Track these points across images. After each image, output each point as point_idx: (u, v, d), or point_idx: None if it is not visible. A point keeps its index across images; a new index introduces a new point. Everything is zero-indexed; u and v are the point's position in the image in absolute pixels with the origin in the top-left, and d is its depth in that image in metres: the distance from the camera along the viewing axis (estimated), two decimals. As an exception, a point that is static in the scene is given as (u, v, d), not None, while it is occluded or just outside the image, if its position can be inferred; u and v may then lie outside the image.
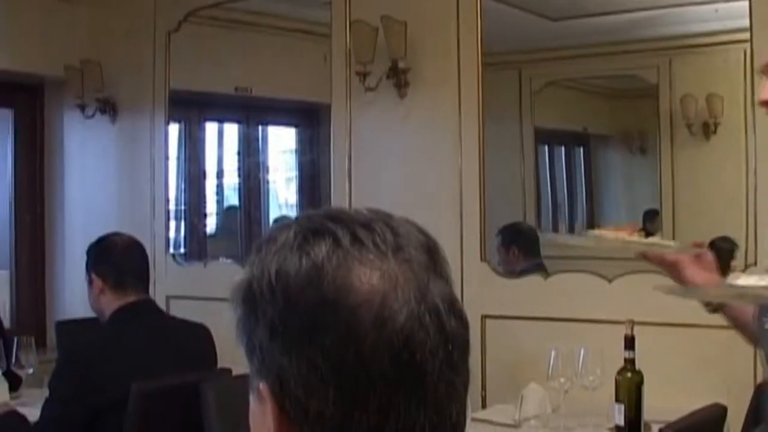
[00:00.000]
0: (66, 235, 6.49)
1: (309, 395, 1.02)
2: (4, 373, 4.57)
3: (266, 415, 1.06)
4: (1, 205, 6.70)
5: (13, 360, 4.58)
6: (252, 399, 1.11)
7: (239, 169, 7.58)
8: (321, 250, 1.05)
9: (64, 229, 6.52)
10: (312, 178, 7.39)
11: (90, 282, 4.09)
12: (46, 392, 4.11)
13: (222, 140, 8.26)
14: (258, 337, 1.06)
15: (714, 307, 2.73)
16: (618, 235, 2.77)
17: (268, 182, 8.06)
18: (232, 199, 7.43)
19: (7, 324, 5.70)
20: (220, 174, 8.05)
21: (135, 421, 3.74)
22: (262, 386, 1.06)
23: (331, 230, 1.06)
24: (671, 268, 2.71)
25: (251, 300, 1.07)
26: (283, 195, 9.05)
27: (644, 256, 2.74)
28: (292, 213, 8.37)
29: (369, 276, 1.04)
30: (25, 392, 4.69)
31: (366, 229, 1.07)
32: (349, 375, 1.02)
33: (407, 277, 1.06)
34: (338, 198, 5.40)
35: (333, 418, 1.02)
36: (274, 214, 8.12)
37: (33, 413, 4.09)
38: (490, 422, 3.98)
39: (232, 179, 7.56)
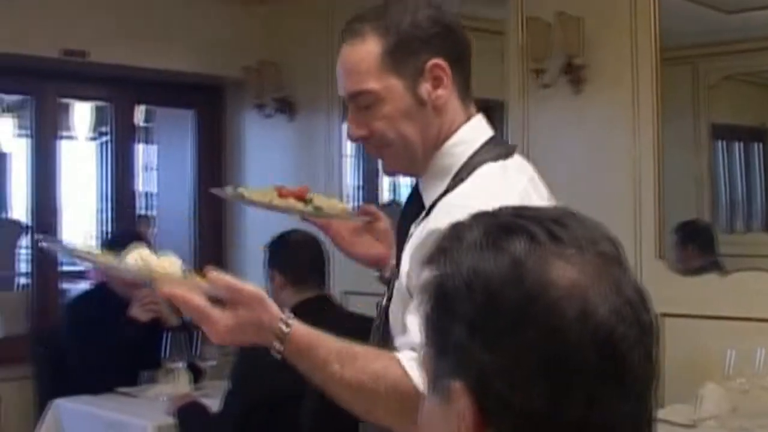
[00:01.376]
0: (246, 232, 6.64)
1: (514, 391, 1.02)
2: (187, 366, 4.72)
3: (452, 415, 1.06)
4: (182, 203, 6.91)
5: (196, 353, 4.72)
6: (431, 399, 1.11)
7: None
8: (518, 246, 1.05)
9: (245, 225, 6.68)
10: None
11: (270, 278, 4.19)
12: (227, 384, 4.22)
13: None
14: (453, 335, 1.06)
15: (387, 279, 2.50)
16: (267, 196, 2.55)
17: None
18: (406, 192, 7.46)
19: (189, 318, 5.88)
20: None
21: (312, 415, 3.80)
22: (457, 384, 1.05)
23: (525, 227, 1.07)
24: (324, 232, 2.60)
25: (444, 298, 1.08)
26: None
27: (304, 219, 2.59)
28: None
29: (568, 270, 1.04)
30: (207, 384, 4.83)
31: (559, 224, 1.08)
32: (555, 369, 1.02)
33: (603, 271, 1.06)
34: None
35: (539, 413, 1.02)
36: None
37: (213, 404, 4.21)
38: (668, 422, 3.92)
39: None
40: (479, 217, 1.12)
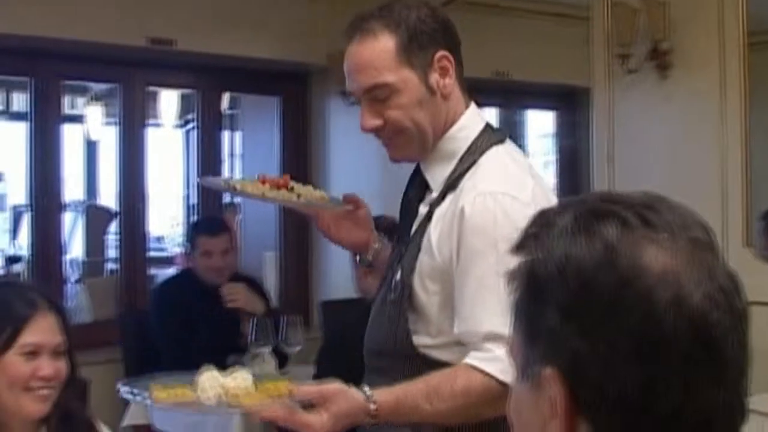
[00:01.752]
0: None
1: (608, 377, 1.02)
2: (272, 351, 4.76)
3: (543, 402, 1.06)
4: (269, 189, 6.95)
5: (281, 338, 4.76)
6: (521, 387, 1.11)
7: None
8: (610, 231, 1.05)
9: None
10: (571, 162, 7.35)
11: (354, 263, 4.21)
12: (312, 369, 4.27)
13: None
14: (545, 321, 1.05)
15: (369, 262, 2.76)
16: (258, 187, 2.67)
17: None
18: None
19: (274, 304, 5.94)
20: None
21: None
22: (549, 371, 1.05)
23: (616, 212, 1.06)
24: (314, 222, 2.75)
25: (536, 284, 1.08)
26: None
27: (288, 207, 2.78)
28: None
29: (661, 255, 1.03)
30: (292, 369, 4.87)
31: (650, 209, 1.07)
32: (650, 355, 1.01)
33: (696, 257, 1.05)
34: (599, 181, 5.34)
35: (632, 400, 1.02)
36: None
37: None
38: (755, 411, 3.86)
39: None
40: (568, 204, 1.12)
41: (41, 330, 2.42)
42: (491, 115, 7.91)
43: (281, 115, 6.79)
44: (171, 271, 8.08)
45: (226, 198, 6.44)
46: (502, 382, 2.18)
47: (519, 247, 1.12)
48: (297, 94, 6.83)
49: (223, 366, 4.66)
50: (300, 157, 6.75)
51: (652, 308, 1.01)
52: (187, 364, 4.79)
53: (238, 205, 7.65)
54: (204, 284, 5.07)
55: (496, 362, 2.21)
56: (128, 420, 4.82)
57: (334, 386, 2.18)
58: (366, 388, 2.19)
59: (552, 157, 7.97)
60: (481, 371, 2.22)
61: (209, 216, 6.19)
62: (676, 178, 4.91)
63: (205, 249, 5.08)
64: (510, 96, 7.39)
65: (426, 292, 2.37)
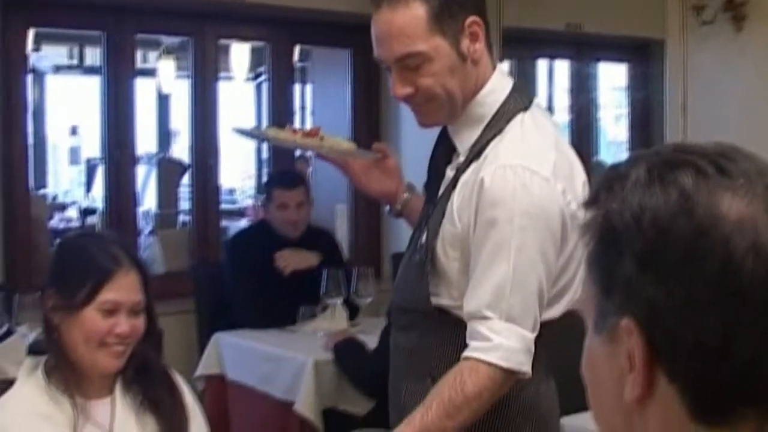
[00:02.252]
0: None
1: (686, 326, 1.01)
2: (343, 303, 4.79)
3: (620, 354, 1.05)
4: (340, 142, 6.96)
5: (353, 290, 4.79)
6: (595, 340, 1.10)
7: (570, 106, 7.55)
8: (685, 180, 1.04)
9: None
10: (643, 115, 7.26)
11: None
12: (383, 321, 4.28)
13: (552, 77, 8.25)
14: (622, 271, 1.05)
15: (398, 212, 2.76)
16: (290, 135, 2.71)
17: (598, 120, 7.98)
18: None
19: (346, 256, 5.97)
20: (549, 111, 8.04)
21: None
22: (626, 322, 1.04)
23: (691, 161, 1.06)
24: (342, 170, 2.75)
25: (611, 235, 1.07)
26: (612, 132, 8.95)
27: (320, 157, 2.81)
28: (620, 151, 8.27)
29: (737, 203, 1.02)
30: (363, 321, 4.91)
31: (725, 158, 1.06)
32: (728, 303, 1.00)
33: None
34: (672, 134, 5.29)
35: (711, 349, 1.01)
36: (603, 152, 8.05)
37: (370, 340, 4.28)
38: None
39: (562, 117, 7.55)
40: (640, 156, 1.10)
41: (121, 288, 2.41)
42: (563, 67, 7.85)
43: (352, 69, 6.77)
44: (243, 223, 8.15)
45: (298, 151, 6.45)
46: (506, 369, 2.26)
47: (592, 200, 1.11)
48: (368, 47, 6.78)
49: (294, 318, 4.74)
50: (371, 112, 6.73)
51: (730, 256, 1.00)
52: (260, 315, 4.89)
53: (310, 158, 7.68)
54: (278, 236, 5.11)
55: (496, 351, 2.26)
56: (201, 370, 4.89)
57: None
58: None
59: (624, 111, 7.89)
60: (485, 362, 2.26)
61: (285, 169, 6.22)
62: (751, 130, 4.85)
63: (281, 202, 5.11)
64: (582, 48, 7.31)
65: (447, 257, 2.40)
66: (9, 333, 4.11)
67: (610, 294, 1.07)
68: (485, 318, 2.28)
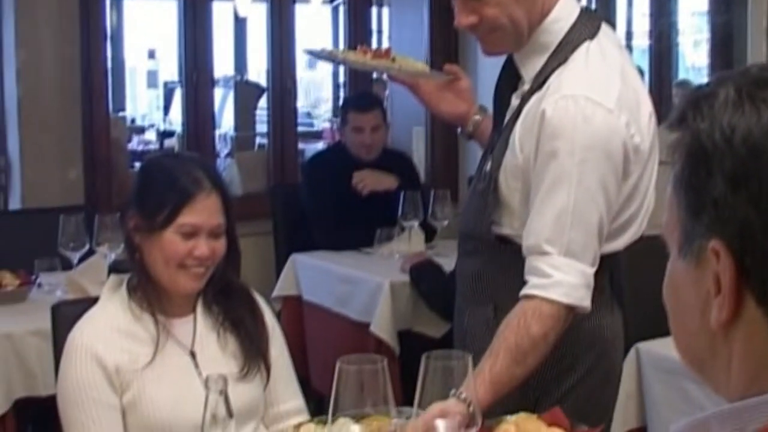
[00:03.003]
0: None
1: None
2: (420, 225, 4.80)
3: (707, 277, 1.04)
4: (416, 65, 6.91)
5: (430, 212, 4.79)
6: (680, 264, 1.08)
7: (650, 31, 7.42)
8: None
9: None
10: (724, 40, 7.11)
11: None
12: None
13: (632, 2, 8.11)
14: (711, 192, 1.03)
15: (469, 134, 2.71)
16: (361, 56, 2.66)
17: (677, 45, 7.85)
18: (640, 61, 7.31)
19: (423, 178, 5.96)
20: (629, 36, 7.93)
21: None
22: (715, 244, 1.02)
23: None
24: (414, 91, 2.69)
25: (700, 155, 1.05)
26: (691, 58, 8.80)
27: (391, 78, 2.78)
28: (700, 77, 8.13)
29: None
30: (439, 243, 4.90)
31: None
32: None
33: None
34: (755, 59, 5.17)
35: None
36: (681, 77, 7.92)
37: (446, 263, 4.28)
38: None
39: (641, 42, 7.44)
40: (726, 76, 1.08)
41: (201, 211, 2.41)
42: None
43: (429, -6, 6.70)
44: (320, 146, 8.17)
45: (375, 74, 6.43)
46: (567, 305, 2.24)
47: (678, 121, 1.09)
48: (445, -31, 6.71)
49: (371, 240, 4.75)
50: (448, 36, 6.64)
51: None
52: (337, 237, 4.91)
53: (387, 82, 7.65)
54: (354, 159, 5.11)
55: (558, 287, 2.24)
56: (278, 291, 4.93)
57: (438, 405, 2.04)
58: (460, 394, 2.05)
59: (704, 36, 7.75)
60: (548, 300, 2.24)
61: (361, 92, 6.20)
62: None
63: (356, 125, 5.10)
64: (663, -29, 7.18)
65: (509, 187, 2.39)
66: (90, 253, 4.17)
67: (698, 216, 1.05)
68: (545, 253, 2.27)
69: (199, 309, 2.53)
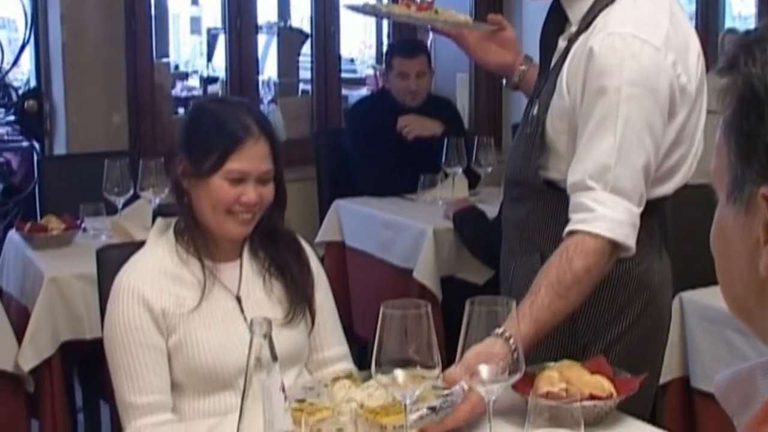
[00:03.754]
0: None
1: None
2: (464, 171, 4.78)
3: (755, 225, 1.02)
4: (462, 8, 6.86)
5: (473, 159, 4.77)
6: (728, 212, 1.06)
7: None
8: None
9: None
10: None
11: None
12: (503, 191, 4.27)
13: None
14: (764, 137, 1.00)
15: (515, 84, 2.69)
16: (404, 9, 2.63)
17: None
18: (686, 10, 7.20)
19: (466, 125, 5.94)
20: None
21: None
22: (765, 190, 1.00)
23: None
24: (459, 43, 2.67)
25: (753, 99, 1.02)
26: (737, 8, 8.68)
27: (435, 30, 2.78)
28: (746, 26, 8.02)
29: None
30: (482, 190, 4.90)
31: None
32: None
33: None
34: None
35: None
36: (727, 26, 7.82)
37: (489, 210, 4.28)
38: None
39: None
40: None
41: (249, 157, 2.40)
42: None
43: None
44: (363, 92, 8.14)
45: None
46: (611, 240, 2.21)
47: (729, 65, 1.06)
48: None
49: (414, 186, 4.75)
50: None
51: None
52: (380, 183, 4.91)
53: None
54: (398, 106, 5.09)
55: (601, 221, 2.22)
56: (321, 237, 4.94)
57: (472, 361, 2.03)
58: (502, 332, 2.04)
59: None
60: (591, 234, 2.21)
61: (407, 38, 6.17)
62: None
63: (401, 71, 5.08)
64: None
65: (555, 130, 2.38)
66: (135, 198, 4.19)
67: (749, 161, 1.02)
68: (589, 189, 2.25)
69: (246, 254, 2.54)
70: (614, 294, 2.40)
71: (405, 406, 1.93)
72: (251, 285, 2.52)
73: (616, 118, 2.22)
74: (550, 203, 2.41)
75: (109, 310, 2.44)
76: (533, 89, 2.56)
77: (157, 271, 2.44)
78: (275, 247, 2.56)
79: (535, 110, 2.42)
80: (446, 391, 2.17)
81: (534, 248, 2.47)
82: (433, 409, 2.14)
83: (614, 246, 2.24)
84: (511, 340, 2.00)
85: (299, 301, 2.54)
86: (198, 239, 2.48)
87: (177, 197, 2.50)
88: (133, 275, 2.44)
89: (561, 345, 2.33)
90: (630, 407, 2.22)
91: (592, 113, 2.26)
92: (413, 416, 2.06)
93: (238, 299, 2.49)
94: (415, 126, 5.01)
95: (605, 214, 2.23)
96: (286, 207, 2.56)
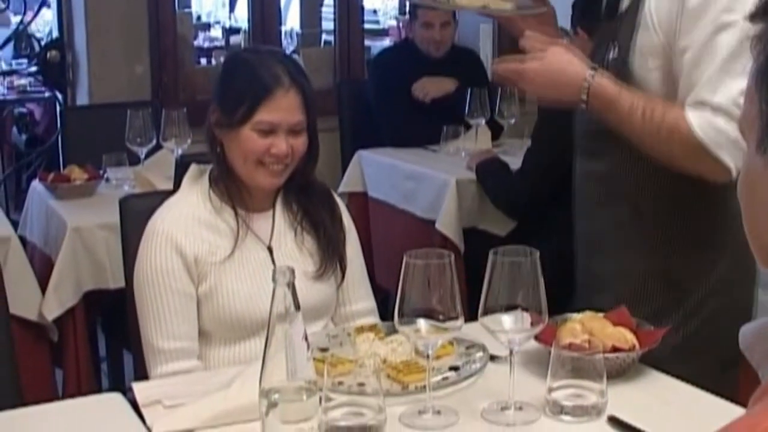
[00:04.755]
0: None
1: None
2: (487, 123, 4.76)
3: None
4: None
5: (496, 111, 4.75)
6: (759, 161, 1.03)
7: None
8: None
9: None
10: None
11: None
12: (527, 143, 4.25)
13: None
14: None
15: None
16: None
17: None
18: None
19: (490, 76, 5.90)
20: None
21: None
22: None
23: None
24: (509, 28, 2.64)
25: None
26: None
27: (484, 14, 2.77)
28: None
29: None
30: (506, 141, 4.88)
31: None
32: None
33: None
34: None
35: None
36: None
37: (512, 161, 4.27)
38: None
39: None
40: None
41: (279, 108, 2.38)
42: None
43: None
44: (386, 43, 8.10)
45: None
46: (705, 146, 2.18)
47: (764, 11, 1.03)
48: None
49: (437, 137, 4.73)
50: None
51: None
52: (403, 134, 4.90)
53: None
54: (421, 56, 5.07)
55: (704, 119, 2.17)
56: (343, 187, 4.93)
57: (563, 43, 2.18)
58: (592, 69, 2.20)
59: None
60: (690, 123, 2.19)
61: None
62: None
63: (425, 20, 5.04)
64: None
65: (645, 68, 2.32)
66: (157, 148, 4.19)
67: None
68: (702, 103, 2.21)
69: (279, 205, 2.54)
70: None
71: (428, 356, 1.93)
72: (283, 236, 2.52)
73: (729, 31, 2.17)
74: (635, 152, 2.35)
75: (141, 254, 2.44)
76: (597, 38, 2.51)
77: (191, 217, 2.44)
78: (309, 201, 2.55)
79: (612, 55, 2.37)
80: (469, 350, 2.17)
81: (620, 200, 2.45)
82: (455, 369, 2.15)
83: (702, 154, 2.20)
84: (593, 73, 2.20)
85: (331, 255, 2.54)
86: (232, 188, 2.47)
87: (210, 147, 2.49)
88: (167, 221, 2.44)
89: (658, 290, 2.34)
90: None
91: (699, 31, 2.20)
92: (436, 378, 2.07)
93: (270, 249, 2.49)
94: (430, 88, 4.98)
95: (712, 121, 2.18)
96: (318, 160, 2.54)
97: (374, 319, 2.59)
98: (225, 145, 2.45)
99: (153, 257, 2.40)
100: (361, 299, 2.64)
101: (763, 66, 1.02)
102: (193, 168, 2.55)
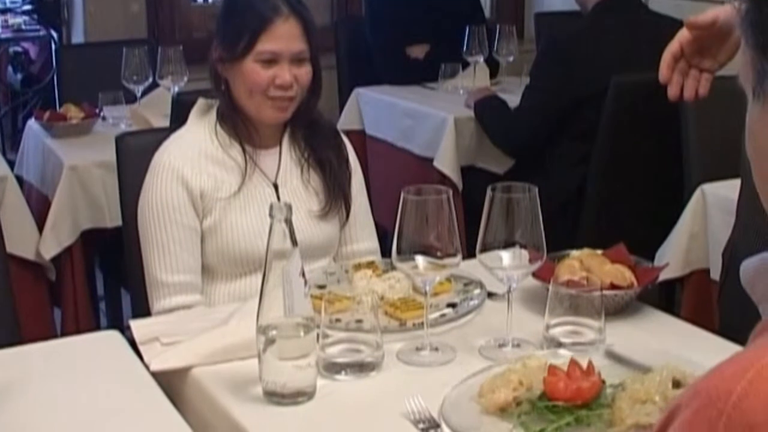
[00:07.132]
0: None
1: None
2: (485, 60, 4.73)
3: None
4: None
5: (494, 48, 4.72)
6: (757, 109, 1.02)
7: None
8: None
9: None
10: None
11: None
12: (525, 81, 4.22)
13: None
14: None
15: None
16: None
17: None
18: None
19: (487, 14, 5.86)
20: None
21: (612, 114, 3.76)
22: None
23: None
24: None
25: None
26: None
27: None
28: None
29: None
30: (504, 79, 4.85)
31: None
32: None
33: None
34: None
35: None
36: None
37: (511, 99, 4.24)
38: None
39: None
40: None
41: (280, 37, 2.37)
42: None
43: None
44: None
45: None
46: None
47: None
48: None
49: (435, 75, 4.70)
50: None
51: None
52: (401, 72, 4.86)
53: None
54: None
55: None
56: (341, 125, 4.88)
57: None
58: None
59: None
60: None
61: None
62: None
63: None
64: None
65: None
66: (153, 86, 4.17)
67: (766, 52, 0.99)
68: None
69: (285, 142, 2.53)
70: None
71: (426, 292, 1.93)
72: (289, 173, 2.51)
73: None
74: None
75: (146, 187, 2.43)
76: None
77: (198, 152, 2.44)
78: (316, 139, 2.54)
79: None
80: (467, 287, 2.17)
81: None
82: (453, 305, 2.15)
83: None
84: None
85: (336, 194, 2.54)
86: (239, 125, 2.47)
87: (215, 85, 2.49)
88: (174, 154, 2.43)
89: None
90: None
91: None
92: (434, 315, 2.07)
93: (275, 186, 2.49)
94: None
95: None
96: (321, 93, 2.52)
97: (376, 259, 2.59)
98: (230, 81, 2.45)
99: (159, 190, 2.40)
100: (364, 239, 2.65)
101: (746, 13, 1.02)
102: (201, 102, 2.54)
